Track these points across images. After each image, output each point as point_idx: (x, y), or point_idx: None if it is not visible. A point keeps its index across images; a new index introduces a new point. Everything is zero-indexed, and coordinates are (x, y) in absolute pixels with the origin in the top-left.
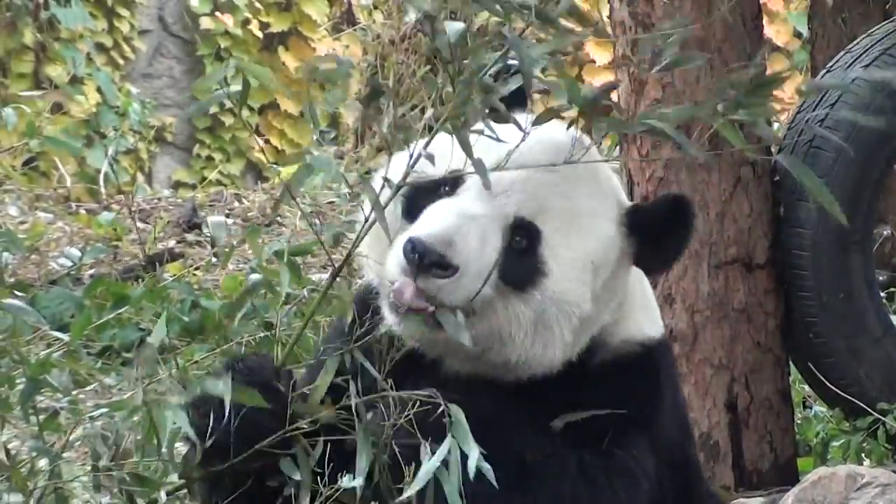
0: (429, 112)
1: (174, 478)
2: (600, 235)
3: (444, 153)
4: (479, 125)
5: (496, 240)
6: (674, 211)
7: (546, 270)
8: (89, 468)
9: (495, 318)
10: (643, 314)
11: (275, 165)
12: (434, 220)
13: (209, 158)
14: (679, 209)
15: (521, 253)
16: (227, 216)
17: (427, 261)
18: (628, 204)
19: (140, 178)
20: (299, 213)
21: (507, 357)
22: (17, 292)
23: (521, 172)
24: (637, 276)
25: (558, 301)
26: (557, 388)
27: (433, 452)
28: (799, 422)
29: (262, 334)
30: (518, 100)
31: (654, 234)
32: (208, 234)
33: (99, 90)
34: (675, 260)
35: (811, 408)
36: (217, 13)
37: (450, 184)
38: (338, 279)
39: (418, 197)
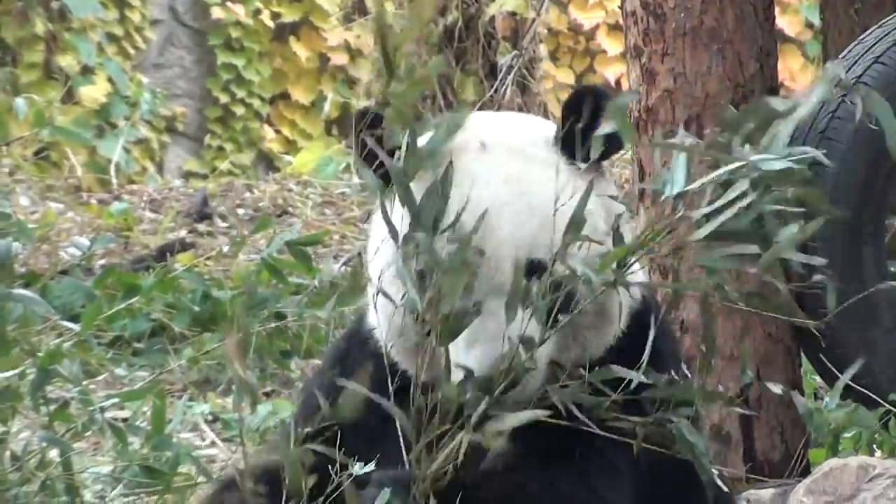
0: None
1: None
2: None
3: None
4: None
5: (535, 329)
6: (576, 106)
7: (567, 283)
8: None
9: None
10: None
11: (286, 155)
12: (479, 349)
13: (220, 148)
14: (577, 100)
15: (542, 289)
16: (239, 206)
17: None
18: (548, 132)
19: (151, 168)
20: (310, 203)
21: (597, 347)
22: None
23: (497, 238)
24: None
25: (595, 289)
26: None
27: None
28: (810, 413)
29: (273, 324)
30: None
31: (583, 134)
32: (220, 225)
33: (110, 80)
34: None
35: (823, 399)
36: (228, 3)
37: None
38: (347, 268)
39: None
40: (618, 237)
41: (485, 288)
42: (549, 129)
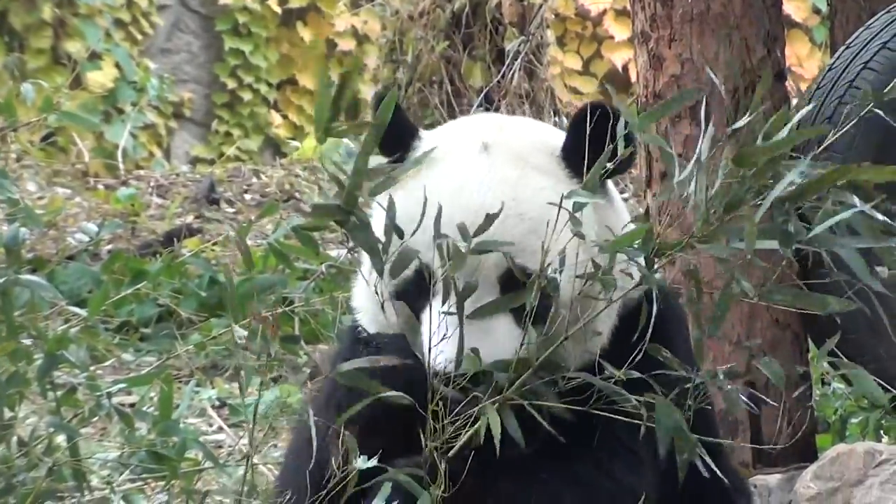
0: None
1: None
2: (564, 218)
3: (410, 212)
4: None
5: (504, 325)
6: (584, 121)
7: (555, 286)
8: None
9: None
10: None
11: (293, 141)
12: (447, 346)
13: (227, 134)
14: (585, 116)
15: (524, 294)
16: (245, 191)
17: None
18: (557, 143)
19: (158, 153)
20: (317, 188)
21: (592, 347)
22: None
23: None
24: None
25: (578, 296)
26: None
27: None
28: (817, 398)
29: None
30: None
31: (591, 150)
32: (227, 210)
33: (117, 65)
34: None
35: (830, 384)
36: None
37: (418, 284)
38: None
39: (406, 298)
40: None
41: (462, 287)
42: (557, 139)
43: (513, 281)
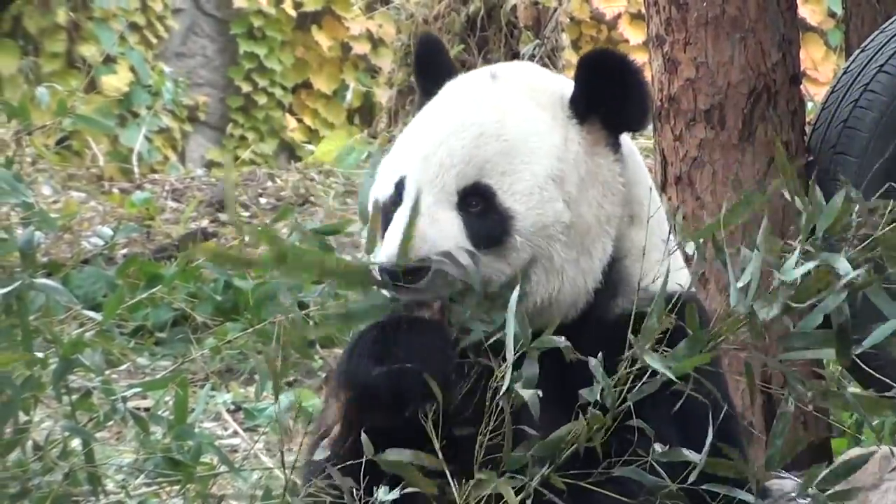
0: None
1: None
2: (545, 149)
3: (393, 164)
4: None
5: (451, 218)
6: (600, 68)
7: (512, 213)
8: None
9: (504, 277)
10: (657, 256)
11: (308, 145)
12: (388, 240)
13: (242, 138)
14: (602, 63)
15: (484, 214)
16: (261, 195)
17: (401, 279)
18: (569, 93)
19: (173, 157)
20: (332, 192)
21: (540, 300)
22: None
23: (450, 147)
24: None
25: (538, 230)
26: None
27: None
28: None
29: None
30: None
31: (603, 99)
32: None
33: (132, 69)
34: (642, 102)
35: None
36: None
37: (398, 196)
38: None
39: (386, 214)
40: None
41: (423, 190)
42: (570, 89)
43: (472, 196)
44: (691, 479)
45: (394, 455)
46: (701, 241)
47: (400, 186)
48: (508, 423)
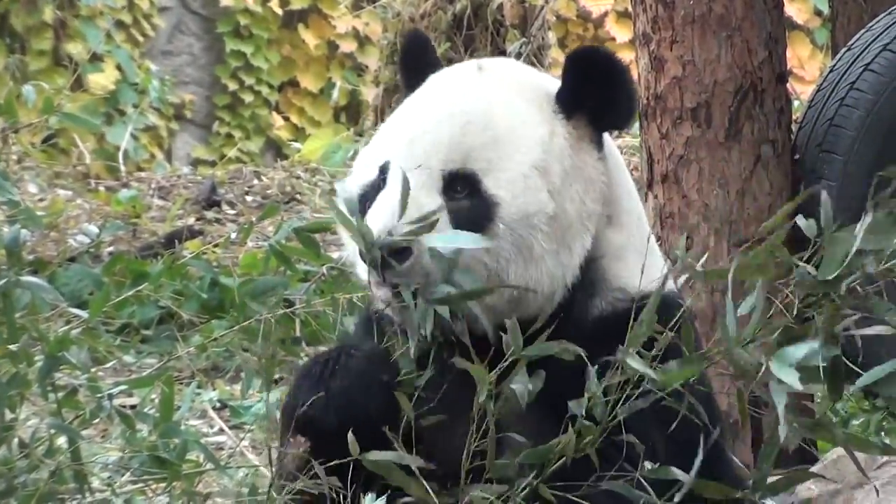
0: None
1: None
2: (530, 139)
3: (376, 150)
4: None
5: (435, 202)
6: (588, 65)
7: (496, 200)
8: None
9: (482, 265)
10: (635, 257)
11: (294, 143)
12: (372, 220)
13: (229, 136)
14: (590, 60)
15: (468, 200)
16: (247, 193)
17: (384, 261)
18: (554, 90)
19: (159, 155)
20: (318, 190)
21: (517, 291)
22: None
23: (436, 133)
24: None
25: (521, 219)
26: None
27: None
28: (818, 400)
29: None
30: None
31: (589, 96)
32: (228, 212)
33: (118, 67)
34: (628, 100)
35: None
36: None
37: (381, 179)
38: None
39: (366, 199)
40: None
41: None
42: (555, 86)
43: (457, 182)
44: (677, 498)
45: (377, 455)
46: (685, 248)
47: (384, 170)
48: (492, 431)
